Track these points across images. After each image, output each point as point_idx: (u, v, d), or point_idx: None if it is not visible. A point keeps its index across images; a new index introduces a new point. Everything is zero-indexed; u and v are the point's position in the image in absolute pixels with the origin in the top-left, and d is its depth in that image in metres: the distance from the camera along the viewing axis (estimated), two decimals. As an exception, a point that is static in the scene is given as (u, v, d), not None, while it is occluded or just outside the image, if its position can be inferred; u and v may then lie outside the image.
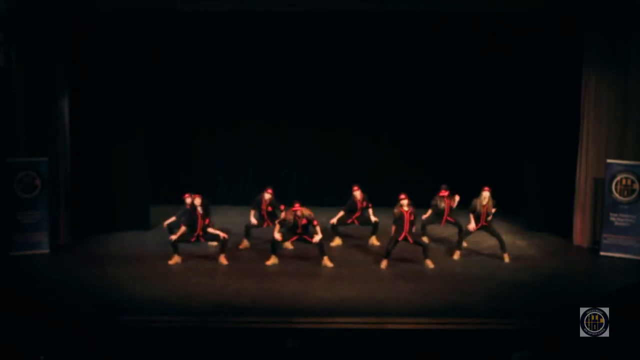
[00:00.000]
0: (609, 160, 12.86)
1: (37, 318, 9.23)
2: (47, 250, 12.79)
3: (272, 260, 12.20)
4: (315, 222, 12.06)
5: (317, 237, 11.93)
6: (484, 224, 12.54)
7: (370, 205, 13.19)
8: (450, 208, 13.27)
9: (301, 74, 15.93)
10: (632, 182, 12.68)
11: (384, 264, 12.04)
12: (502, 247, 12.54)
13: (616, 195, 12.78)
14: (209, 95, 16.19)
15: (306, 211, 12.11)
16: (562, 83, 13.64)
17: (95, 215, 13.98)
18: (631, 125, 12.87)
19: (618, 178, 12.75)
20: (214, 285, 11.10)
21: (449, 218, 13.30)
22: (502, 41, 14.84)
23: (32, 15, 12.65)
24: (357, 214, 13.21)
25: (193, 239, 12.18)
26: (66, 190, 13.32)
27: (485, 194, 12.44)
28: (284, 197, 13.21)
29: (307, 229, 12.13)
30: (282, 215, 12.38)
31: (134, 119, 14.12)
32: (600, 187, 13.03)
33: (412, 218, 11.97)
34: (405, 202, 11.92)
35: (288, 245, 12.68)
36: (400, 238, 11.97)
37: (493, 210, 12.48)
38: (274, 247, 12.23)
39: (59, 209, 13.20)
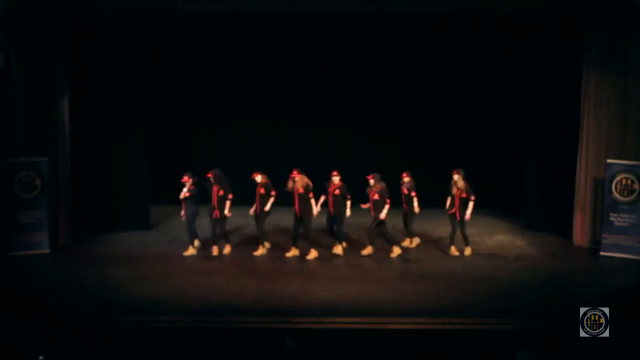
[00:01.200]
0: (609, 160, 12.86)
1: (37, 318, 9.23)
2: (47, 250, 12.79)
3: (293, 252, 12.52)
4: (310, 195, 12.28)
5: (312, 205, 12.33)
6: (455, 210, 12.46)
7: (349, 197, 12.68)
8: (405, 195, 12.95)
9: (301, 73, 15.94)
10: (632, 182, 12.67)
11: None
12: (451, 239, 12.67)
13: (616, 195, 12.77)
14: (209, 95, 16.21)
15: (302, 180, 12.22)
16: (562, 83, 13.64)
17: (95, 215, 13.99)
18: (631, 125, 12.87)
19: (618, 178, 12.75)
20: (214, 285, 11.10)
21: (404, 205, 13.04)
22: (502, 41, 14.84)
23: (32, 15, 12.65)
24: (330, 202, 12.70)
25: (214, 216, 12.46)
26: (66, 190, 13.32)
27: (454, 177, 12.46)
28: (284, 197, 13.20)
29: (303, 201, 12.23)
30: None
31: (134, 119, 14.14)
32: (600, 187, 13.02)
33: (375, 197, 12.36)
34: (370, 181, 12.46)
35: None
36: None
37: (472, 199, 12.37)
38: (294, 239, 12.53)
39: (59, 209, 13.20)
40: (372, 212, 12.47)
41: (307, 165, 15.98)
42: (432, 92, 16.09)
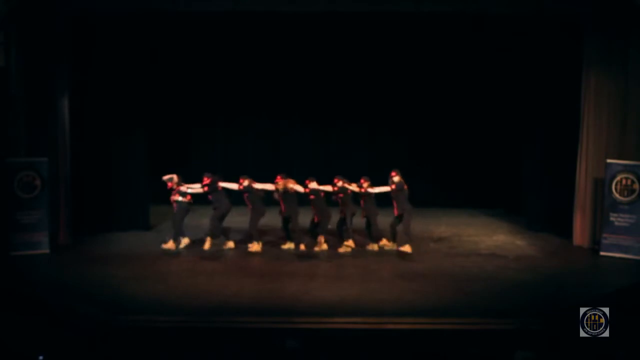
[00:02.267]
0: (609, 160, 12.85)
1: (37, 318, 9.23)
2: (47, 250, 12.78)
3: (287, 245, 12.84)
4: (291, 190, 12.48)
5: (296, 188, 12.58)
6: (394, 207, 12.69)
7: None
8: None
9: (301, 73, 15.94)
10: (632, 182, 12.67)
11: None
12: (393, 236, 12.90)
13: (616, 195, 12.77)
14: (209, 95, 16.21)
15: (284, 183, 12.46)
16: (562, 83, 13.63)
17: (95, 215, 13.99)
18: (631, 125, 12.86)
19: (618, 178, 12.74)
20: (213, 285, 11.10)
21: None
22: (502, 41, 14.83)
23: (32, 15, 12.65)
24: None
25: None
26: (66, 190, 13.32)
27: (395, 178, 12.57)
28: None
29: (287, 205, 12.55)
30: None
31: (134, 119, 14.13)
32: (600, 187, 13.02)
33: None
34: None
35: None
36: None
37: (391, 188, 12.48)
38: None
39: (59, 209, 13.19)
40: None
41: (307, 164, 16.09)
42: (432, 92, 16.09)
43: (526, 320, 9.61)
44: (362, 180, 12.74)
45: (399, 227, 12.70)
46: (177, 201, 12.76)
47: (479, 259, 12.56)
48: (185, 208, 12.83)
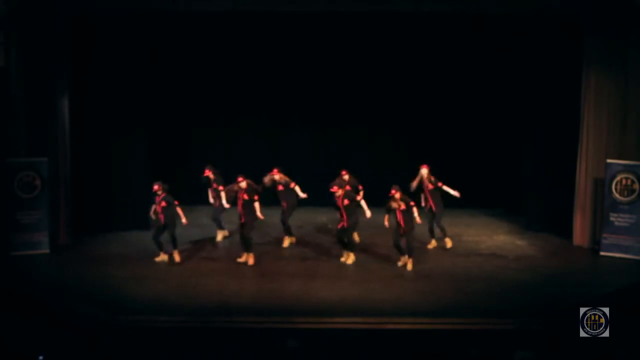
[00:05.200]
0: (609, 160, 12.86)
1: (37, 318, 9.24)
2: (47, 250, 12.79)
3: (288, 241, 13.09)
4: (292, 184, 12.79)
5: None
6: (431, 204, 12.77)
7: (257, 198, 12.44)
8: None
9: (301, 73, 15.92)
10: (632, 182, 12.67)
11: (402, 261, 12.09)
12: (443, 232, 12.98)
13: (616, 195, 12.77)
14: (209, 95, 16.19)
15: (283, 178, 12.76)
16: (562, 83, 13.63)
17: (95, 215, 13.98)
18: (631, 125, 12.87)
19: (618, 178, 12.74)
20: (214, 285, 11.11)
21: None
22: (502, 41, 14.83)
23: (32, 15, 12.65)
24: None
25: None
26: (66, 190, 13.32)
27: (424, 171, 12.77)
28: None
29: (286, 195, 12.76)
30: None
31: (134, 119, 14.13)
32: (600, 187, 13.02)
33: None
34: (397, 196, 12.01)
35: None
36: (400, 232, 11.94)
37: (439, 185, 12.74)
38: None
39: (59, 209, 13.20)
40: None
41: (308, 164, 16.10)
42: (432, 92, 16.06)
43: (526, 320, 9.63)
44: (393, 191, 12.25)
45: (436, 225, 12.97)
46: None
47: (479, 259, 12.57)
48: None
